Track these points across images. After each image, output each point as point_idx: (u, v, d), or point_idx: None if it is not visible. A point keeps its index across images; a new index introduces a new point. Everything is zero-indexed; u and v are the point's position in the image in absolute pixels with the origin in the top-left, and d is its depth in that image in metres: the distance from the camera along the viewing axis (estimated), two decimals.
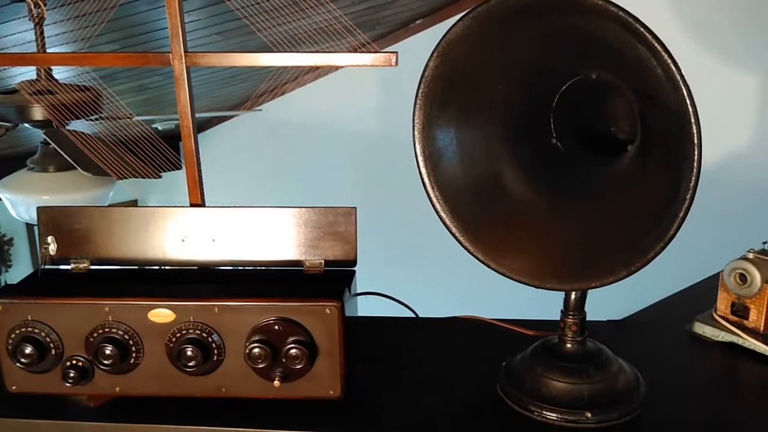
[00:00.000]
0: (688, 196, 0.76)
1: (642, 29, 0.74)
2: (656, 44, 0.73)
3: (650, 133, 0.84)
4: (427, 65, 0.90)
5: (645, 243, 0.81)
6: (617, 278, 0.83)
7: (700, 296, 1.25)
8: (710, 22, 3.23)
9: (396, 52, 1.00)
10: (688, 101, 0.73)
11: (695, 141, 0.74)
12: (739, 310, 1.09)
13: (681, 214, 0.77)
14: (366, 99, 4.48)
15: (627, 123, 0.92)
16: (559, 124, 0.96)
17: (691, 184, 0.75)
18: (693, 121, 0.73)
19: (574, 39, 0.87)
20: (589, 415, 0.90)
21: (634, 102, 0.86)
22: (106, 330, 0.93)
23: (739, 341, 1.08)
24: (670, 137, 0.79)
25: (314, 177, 4.80)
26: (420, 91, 0.91)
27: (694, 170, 0.74)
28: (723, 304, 1.11)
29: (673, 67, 0.73)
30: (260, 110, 3.33)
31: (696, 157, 0.74)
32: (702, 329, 1.12)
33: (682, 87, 0.73)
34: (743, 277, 1.06)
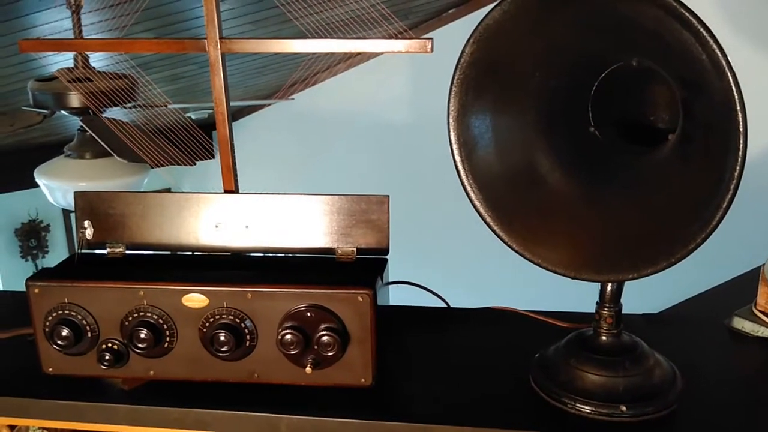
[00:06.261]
0: (732, 186, 0.74)
1: (688, 14, 0.71)
2: (702, 30, 0.71)
3: (693, 121, 0.82)
4: (463, 51, 0.88)
5: (685, 234, 0.79)
6: (656, 269, 0.81)
7: (739, 290, 1.22)
8: (750, 12, 3.15)
9: (431, 38, 0.99)
10: (734, 88, 0.71)
11: (741, 129, 0.72)
12: None
13: (724, 205, 0.75)
14: (398, 89, 4.47)
15: (668, 111, 0.90)
16: (598, 112, 0.94)
17: (736, 174, 0.73)
18: (739, 108, 0.71)
19: (615, 24, 0.85)
20: (624, 408, 0.89)
21: (676, 90, 0.84)
22: (141, 314, 0.94)
23: None
24: (713, 126, 0.76)
25: (346, 165, 4.80)
26: (456, 77, 0.89)
27: (739, 159, 0.72)
28: (763, 298, 1.08)
29: (719, 53, 0.71)
30: (293, 99, 3.34)
31: (741, 145, 0.72)
32: (741, 324, 1.09)
33: (728, 74, 0.71)
34: None
